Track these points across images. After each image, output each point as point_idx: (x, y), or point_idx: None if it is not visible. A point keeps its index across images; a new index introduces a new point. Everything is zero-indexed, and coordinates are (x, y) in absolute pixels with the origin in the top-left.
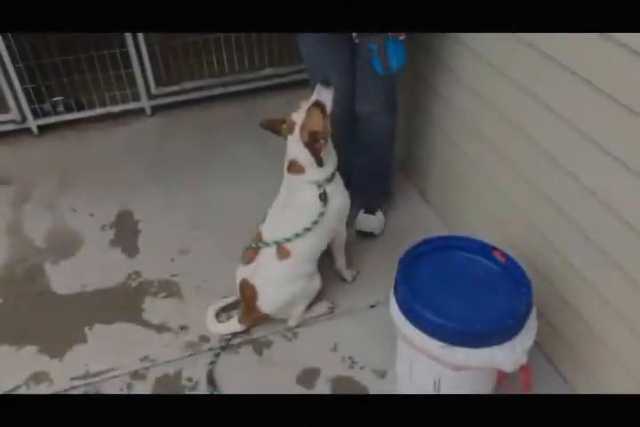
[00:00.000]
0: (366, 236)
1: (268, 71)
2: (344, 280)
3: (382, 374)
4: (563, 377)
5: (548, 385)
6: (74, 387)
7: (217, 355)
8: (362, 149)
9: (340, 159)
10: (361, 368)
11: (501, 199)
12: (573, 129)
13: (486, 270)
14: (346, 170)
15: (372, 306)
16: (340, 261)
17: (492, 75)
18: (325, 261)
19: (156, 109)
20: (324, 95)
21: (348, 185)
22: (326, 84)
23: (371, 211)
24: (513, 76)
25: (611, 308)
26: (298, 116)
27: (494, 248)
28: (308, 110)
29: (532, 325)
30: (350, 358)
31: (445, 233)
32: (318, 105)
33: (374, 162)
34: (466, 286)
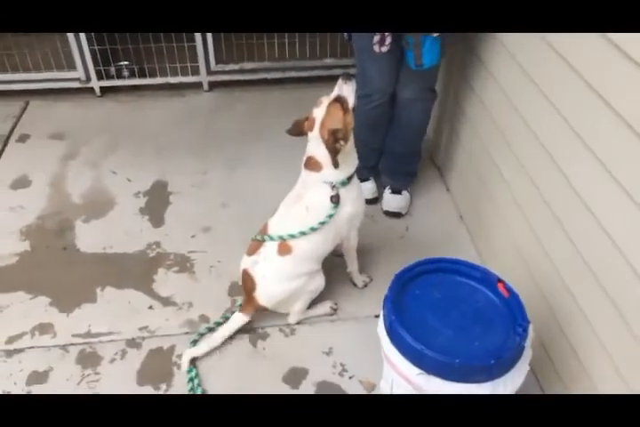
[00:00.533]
0: (393, 215)
1: (329, 61)
2: (355, 285)
3: (369, 388)
4: None
5: None
6: (72, 344)
7: (201, 335)
8: (396, 131)
9: (375, 140)
10: (350, 377)
11: (516, 211)
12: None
13: (486, 302)
14: (378, 150)
15: (376, 316)
16: (352, 266)
17: (525, 82)
18: (339, 263)
19: (213, 85)
20: (346, 90)
21: (376, 165)
22: (348, 78)
23: (397, 191)
24: (543, 89)
25: (606, 353)
26: (318, 113)
27: (500, 280)
28: (329, 106)
29: (521, 368)
30: (342, 364)
31: (463, 231)
32: (339, 100)
33: (407, 143)
34: (460, 315)
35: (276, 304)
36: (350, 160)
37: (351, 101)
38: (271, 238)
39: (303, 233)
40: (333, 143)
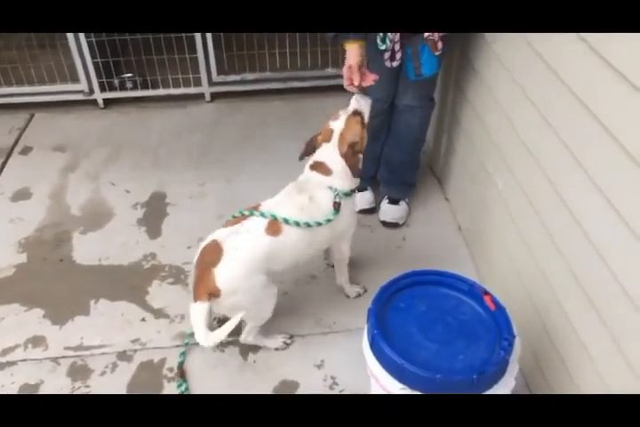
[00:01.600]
0: (390, 226)
1: (330, 71)
2: (347, 297)
3: None
4: None
5: None
6: (64, 356)
7: (186, 344)
8: (394, 140)
9: (374, 149)
10: (340, 391)
11: (509, 222)
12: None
13: (472, 315)
14: (377, 159)
15: None
16: (340, 278)
17: (517, 93)
18: (333, 274)
19: (214, 96)
20: (363, 104)
21: (374, 175)
22: (364, 93)
23: (394, 201)
24: (534, 100)
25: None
26: (336, 125)
27: (486, 293)
28: (348, 119)
29: (506, 382)
30: (333, 378)
31: (460, 241)
32: (358, 114)
33: (405, 152)
34: (445, 328)
35: (230, 293)
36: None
37: (366, 116)
38: (262, 215)
39: (297, 223)
40: (352, 156)
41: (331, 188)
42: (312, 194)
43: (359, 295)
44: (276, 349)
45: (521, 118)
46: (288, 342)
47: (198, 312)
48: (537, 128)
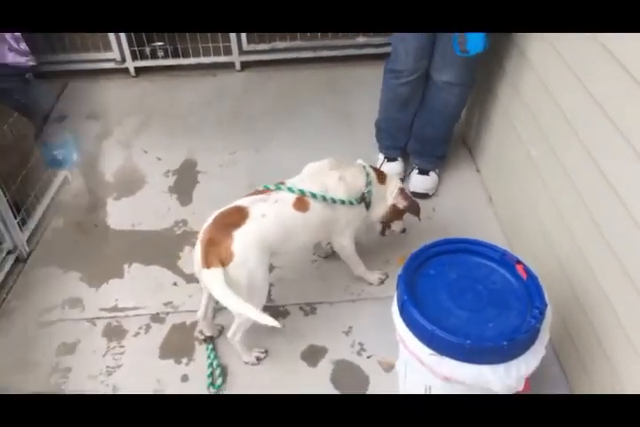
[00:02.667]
0: (420, 196)
1: (361, 40)
2: (371, 284)
3: (387, 368)
4: None
5: None
6: (100, 317)
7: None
8: (428, 113)
9: (404, 117)
10: (368, 357)
11: (544, 193)
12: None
13: (504, 284)
14: (407, 130)
15: None
16: (357, 270)
17: (561, 68)
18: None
19: (245, 65)
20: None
21: (404, 146)
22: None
23: (425, 172)
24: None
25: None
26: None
27: (519, 262)
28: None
29: (536, 351)
30: (360, 344)
31: (491, 212)
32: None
33: (438, 127)
34: (476, 296)
35: (241, 262)
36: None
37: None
38: (290, 190)
39: (324, 197)
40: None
41: (368, 175)
42: (344, 173)
43: (382, 282)
44: (247, 363)
45: (558, 85)
46: (261, 356)
47: (216, 277)
48: (574, 95)
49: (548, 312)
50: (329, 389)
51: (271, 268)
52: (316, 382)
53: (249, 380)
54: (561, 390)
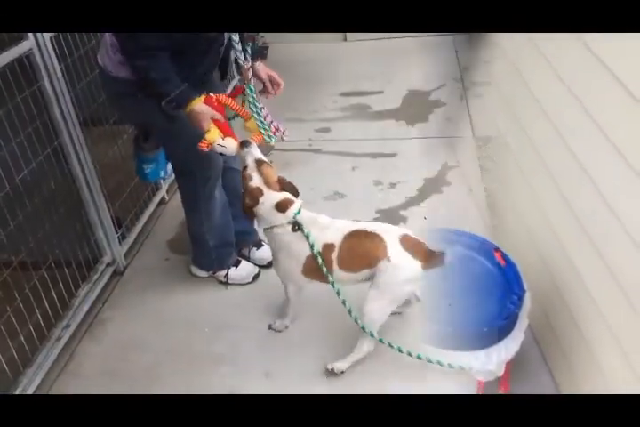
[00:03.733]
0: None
1: None
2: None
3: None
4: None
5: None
6: None
7: None
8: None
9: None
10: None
11: (521, 180)
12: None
13: (483, 271)
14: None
15: None
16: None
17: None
18: None
19: None
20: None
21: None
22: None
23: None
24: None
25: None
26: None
27: (497, 249)
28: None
29: (516, 336)
30: None
31: (470, 202)
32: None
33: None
34: (457, 284)
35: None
36: None
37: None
38: None
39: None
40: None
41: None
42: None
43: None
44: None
45: (532, 72)
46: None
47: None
48: (548, 84)
49: (527, 298)
50: None
51: None
52: None
53: None
54: (542, 377)
